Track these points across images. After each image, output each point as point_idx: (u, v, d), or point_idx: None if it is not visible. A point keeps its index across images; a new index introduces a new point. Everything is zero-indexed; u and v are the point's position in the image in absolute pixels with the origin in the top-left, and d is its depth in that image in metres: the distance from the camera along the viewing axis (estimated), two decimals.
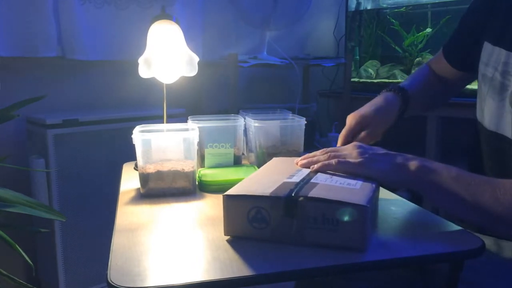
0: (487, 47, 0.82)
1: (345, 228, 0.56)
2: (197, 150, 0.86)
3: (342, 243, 0.57)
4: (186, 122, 0.97)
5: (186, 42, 0.98)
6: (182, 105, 1.73)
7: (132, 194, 0.83)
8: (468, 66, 0.91)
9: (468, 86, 1.05)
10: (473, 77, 0.95)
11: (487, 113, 0.80)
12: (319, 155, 0.75)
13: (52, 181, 1.45)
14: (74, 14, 1.56)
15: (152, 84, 1.06)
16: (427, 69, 1.04)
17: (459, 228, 0.65)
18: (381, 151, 0.72)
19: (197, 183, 0.86)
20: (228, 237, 0.62)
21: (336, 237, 0.57)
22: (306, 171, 0.71)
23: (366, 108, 0.92)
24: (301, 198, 0.58)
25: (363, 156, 0.70)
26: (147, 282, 0.50)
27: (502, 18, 0.81)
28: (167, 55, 0.94)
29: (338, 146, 0.83)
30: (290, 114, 1.07)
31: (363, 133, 0.89)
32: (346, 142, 0.88)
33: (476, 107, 0.86)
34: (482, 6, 0.87)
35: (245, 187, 0.64)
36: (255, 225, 0.60)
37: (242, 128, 0.98)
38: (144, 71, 0.93)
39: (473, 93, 0.87)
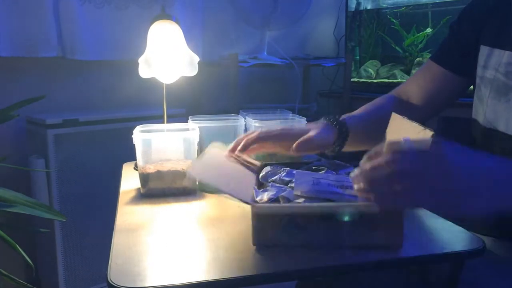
0: (484, 50, 0.82)
1: (383, 228, 0.56)
2: (197, 150, 0.86)
3: (381, 242, 0.57)
4: (186, 122, 0.97)
5: (186, 42, 0.98)
6: (182, 105, 1.72)
7: (132, 194, 0.83)
8: (465, 71, 0.89)
9: None
10: (466, 85, 0.92)
11: (492, 115, 0.80)
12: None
13: (52, 181, 1.45)
14: (74, 14, 1.56)
15: (152, 84, 1.06)
16: (391, 98, 0.97)
17: (459, 228, 0.65)
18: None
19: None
20: (229, 237, 0.62)
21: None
22: None
23: (295, 128, 0.83)
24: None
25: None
26: (147, 282, 0.50)
27: (499, 20, 0.81)
28: (167, 55, 0.94)
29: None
30: (290, 114, 1.07)
31: (295, 144, 0.78)
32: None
33: (473, 110, 0.86)
34: (476, 12, 0.87)
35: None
36: (289, 232, 0.58)
37: (242, 128, 0.98)
38: (144, 71, 0.93)
39: (473, 93, 0.87)
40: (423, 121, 0.96)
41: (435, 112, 0.97)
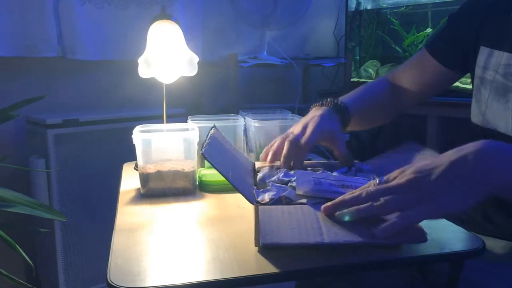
0: (484, 51, 0.82)
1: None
2: (197, 150, 0.86)
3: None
4: (186, 122, 0.97)
5: (186, 42, 0.98)
6: (182, 105, 1.73)
7: (132, 194, 0.83)
8: (458, 66, 0.91)
9: (468, 87, 1.05)
10: (457, 78, 0.95)
11: (491, 116, 0.80)
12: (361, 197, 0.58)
13: (52, 181, 1.44)
14: (74, 14, 1.56)
15: (152, 84, 1.06)
16: (384, 82, 1.01)
17: (459, 228, 0.65)
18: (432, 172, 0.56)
19: (197, 183, 0.86)
20: (229, 237, 0.62)
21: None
22: None
23: (321, 123, 0.84)
24: None
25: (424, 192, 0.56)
26: (147, 282, 0.50)
27: (498, 21, 0.81)
28: (167, 55, 0.94)
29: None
30: (290, 114, 1.07)
31: (338, 152, 0.84)
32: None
33: (472, 111, 0.86)
34: (475, 10, 0.87)
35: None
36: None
37: (242, 128, 0.98)
38: (144, 71, 0.93)
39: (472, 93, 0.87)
40: (412, 107, 1.01)
41: (423, 99, 1.01)
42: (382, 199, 0.56)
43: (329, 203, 0.59)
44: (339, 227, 0.57)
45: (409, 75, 0.99)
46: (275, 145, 0.84)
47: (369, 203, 0.56)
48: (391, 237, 0.55)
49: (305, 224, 0.58)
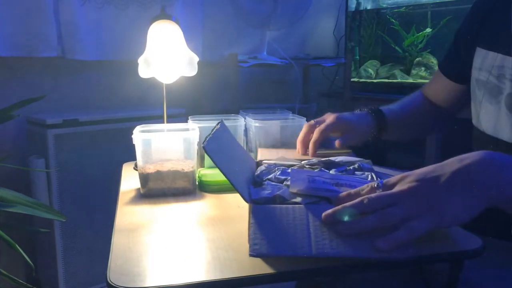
0: (480, 52, 0.82)
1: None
2: (197, 150, 0.86)
3: None
4: (186, 122, 0.97)
5: (186, 42, 0.98)
6: (182, 105, 1.72)
7: (132, 194, 0.83)
8: (466, 78, 0.91)
9: None
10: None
11: (484, 118, 0.80)
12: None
13: (52, 181, 1.45)
14: (74, 14, 1.56)
15: (152, 84, 1.06)
16: (420, 95, 1.04)
17: (458, 228, 0.65)
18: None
19: (197, 183, 0.86)
20: (229, 237, 0.62)
21: None
22: None
23: (345, 115, 0.92)
24: None
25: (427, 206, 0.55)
26: (147, 282, 0.50)
27: (495, 23, 0.81)
28: (167, 55, 0.94)
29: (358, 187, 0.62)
30: (290, 114, 1.07)
31: (337, 141, 0.90)
32: (319, 139, 0.89)
33: (471, 112, 0.86)
34: (474, 16, 0.87)
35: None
36: None
37: (242, 128, 0.98)
38: (144, 71, 0.93)
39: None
40: (450, 118, 1.03)
41: (455, 113, 1.03)
42: (384, 210, 0.55)
43: (329, 211, 0.57)
44: (329, 237, 0.55)
45: (434, 92, 1.02)
46: (301, 134, 0.92)
47: (370, 216, 0.55)
48: (394, 249, 0.54)
49: (295, 232, 0.57)
